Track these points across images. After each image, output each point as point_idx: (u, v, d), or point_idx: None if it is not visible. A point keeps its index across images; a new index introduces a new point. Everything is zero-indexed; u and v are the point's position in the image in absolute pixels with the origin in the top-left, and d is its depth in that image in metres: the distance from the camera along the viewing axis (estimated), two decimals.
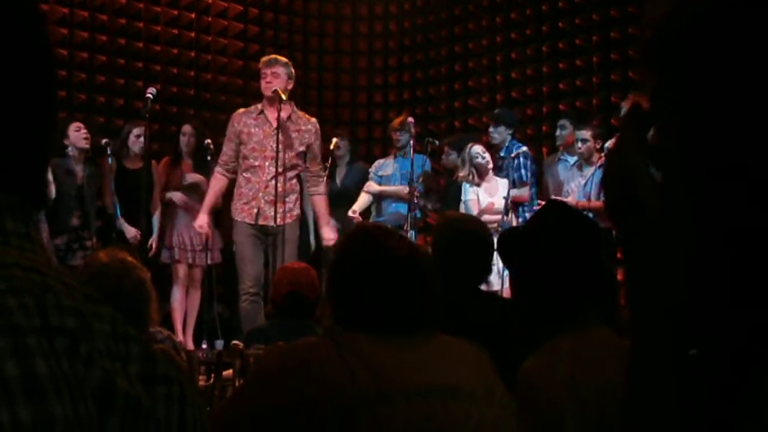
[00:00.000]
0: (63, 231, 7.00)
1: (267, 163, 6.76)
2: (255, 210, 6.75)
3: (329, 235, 6.93)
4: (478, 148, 7.60)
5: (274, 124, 6.70)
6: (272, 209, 6.61)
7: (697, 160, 0.77)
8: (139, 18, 8.98)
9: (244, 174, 6.84)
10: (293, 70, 6.90)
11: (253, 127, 6.81)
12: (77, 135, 7.14)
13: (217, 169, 6.98)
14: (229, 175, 6.94)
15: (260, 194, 6.77)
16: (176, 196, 7.52)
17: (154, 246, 7.45)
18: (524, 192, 7.68)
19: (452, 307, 2.79)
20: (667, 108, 0.81)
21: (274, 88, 6.70)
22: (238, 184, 6.90)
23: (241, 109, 7.02)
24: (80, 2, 8.65)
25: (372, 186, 8.02)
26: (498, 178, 7.57)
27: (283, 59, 6.93)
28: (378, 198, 8.08)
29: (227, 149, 6.91)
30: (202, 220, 6.94)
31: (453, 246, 3.59)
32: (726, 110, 0.76)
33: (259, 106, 6.85)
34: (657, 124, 0.83)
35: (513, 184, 7.59)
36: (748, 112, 0.75)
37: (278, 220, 6.67)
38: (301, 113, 6.96)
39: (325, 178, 7.22)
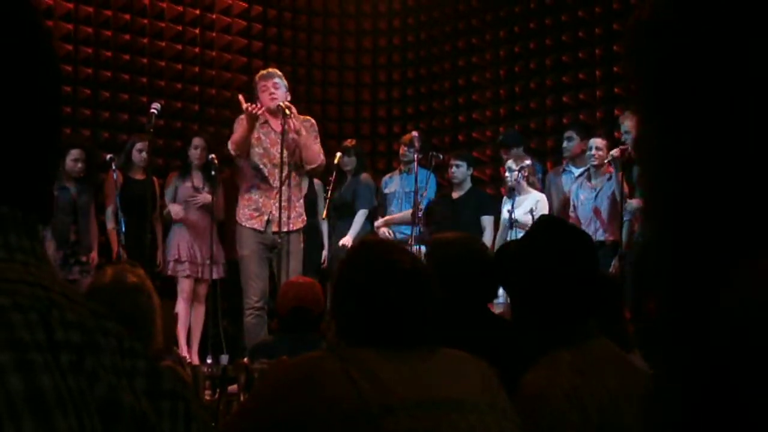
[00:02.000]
0: (59, 246, 7.05)
1: (276, 171, 6.79)
2: (266, 218, 6.78)
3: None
4: (509, 163, 7.55)
5: (279, 132, 6.77)
6: (283, 215, 6.66)
7: (673, 158, 0.79)
8: (144, 33, 9.00)
9: (252, 180, 6.87)
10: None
11: (261, 134, 6.85)
12: (73, 166, 7.18)
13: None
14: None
15: (271, 201, 6.80)
16: (174, 208, 7.50)
17: (161, 261, 7.48)
18: None
19: (455, 326, 2.77)
20: (642, 107, 0.84)
21: (279, 103, 6.76)
22: (245, 189, 6.93)
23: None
24: (84, 18, 8.67)
25: (378, 220, 7.99)
26: (534, 192, 7.45)
27: (279, 72, 7.01)
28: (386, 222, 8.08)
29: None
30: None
31: (447, 267, 3.46)
32: (695, 110, 0.78)
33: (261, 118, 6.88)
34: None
35: None
36: (715, 112, 0.77)
37: (290, 225, 6.71)
38: (299, 116, 6.92)
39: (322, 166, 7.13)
